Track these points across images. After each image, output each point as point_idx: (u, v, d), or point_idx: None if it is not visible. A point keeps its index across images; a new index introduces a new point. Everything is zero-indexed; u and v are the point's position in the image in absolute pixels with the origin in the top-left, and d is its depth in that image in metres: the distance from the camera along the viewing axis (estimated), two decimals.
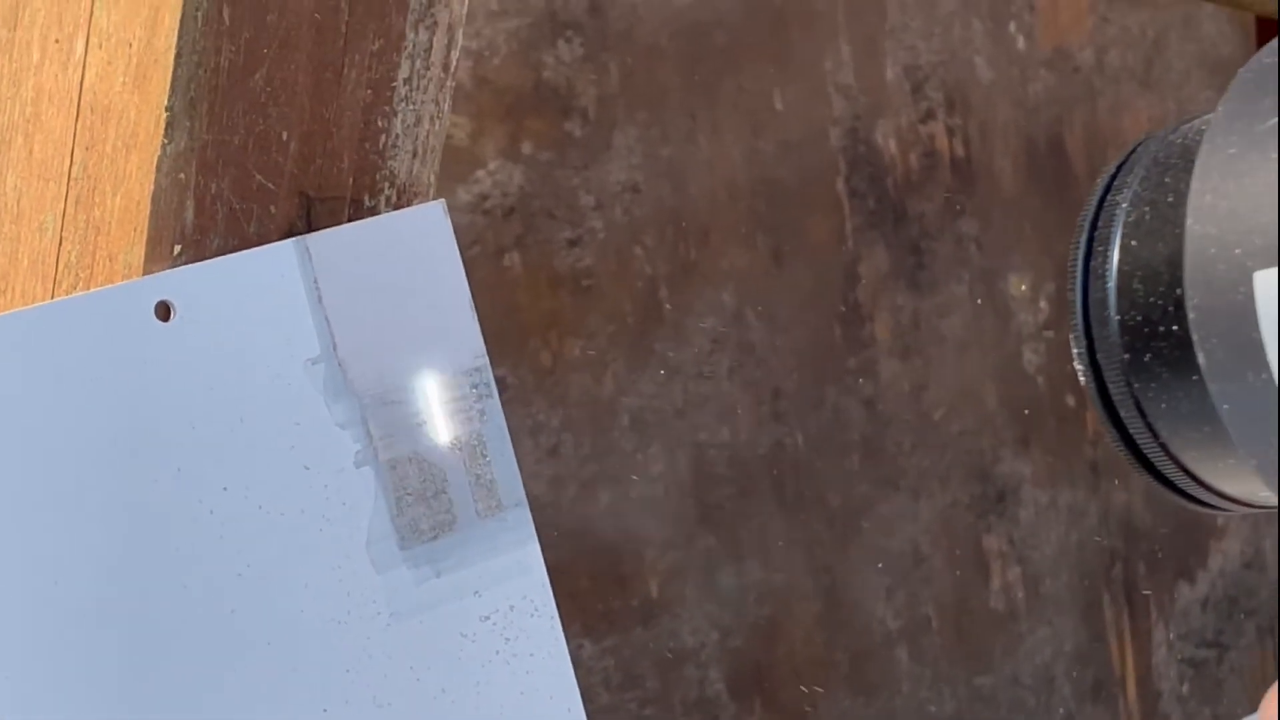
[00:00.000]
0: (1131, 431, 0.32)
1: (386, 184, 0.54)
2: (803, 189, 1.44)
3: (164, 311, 0.50)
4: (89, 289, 0.51)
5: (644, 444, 1.32)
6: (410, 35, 0.54)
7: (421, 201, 0.55)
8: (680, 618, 1.35)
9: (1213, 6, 1.72)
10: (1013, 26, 1.63)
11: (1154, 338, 0.31)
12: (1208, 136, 0.29)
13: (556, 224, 1.27)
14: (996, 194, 1.60)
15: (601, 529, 1.30)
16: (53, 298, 0.52)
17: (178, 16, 0.48)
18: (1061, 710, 1.66)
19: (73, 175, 0.51)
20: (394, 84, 0.54)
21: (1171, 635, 1.78)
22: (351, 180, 0.53)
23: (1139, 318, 0.31)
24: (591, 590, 1.29)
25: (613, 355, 1.31)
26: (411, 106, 0.54)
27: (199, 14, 0.49)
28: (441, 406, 0.55)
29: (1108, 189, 0.33)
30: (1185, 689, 1.80)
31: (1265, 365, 0.27)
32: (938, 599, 1.55)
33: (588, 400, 1.29)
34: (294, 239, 0.52)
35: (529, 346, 1.26)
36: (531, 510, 0.57)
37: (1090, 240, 0.33)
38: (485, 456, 0.55)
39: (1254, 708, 1.80)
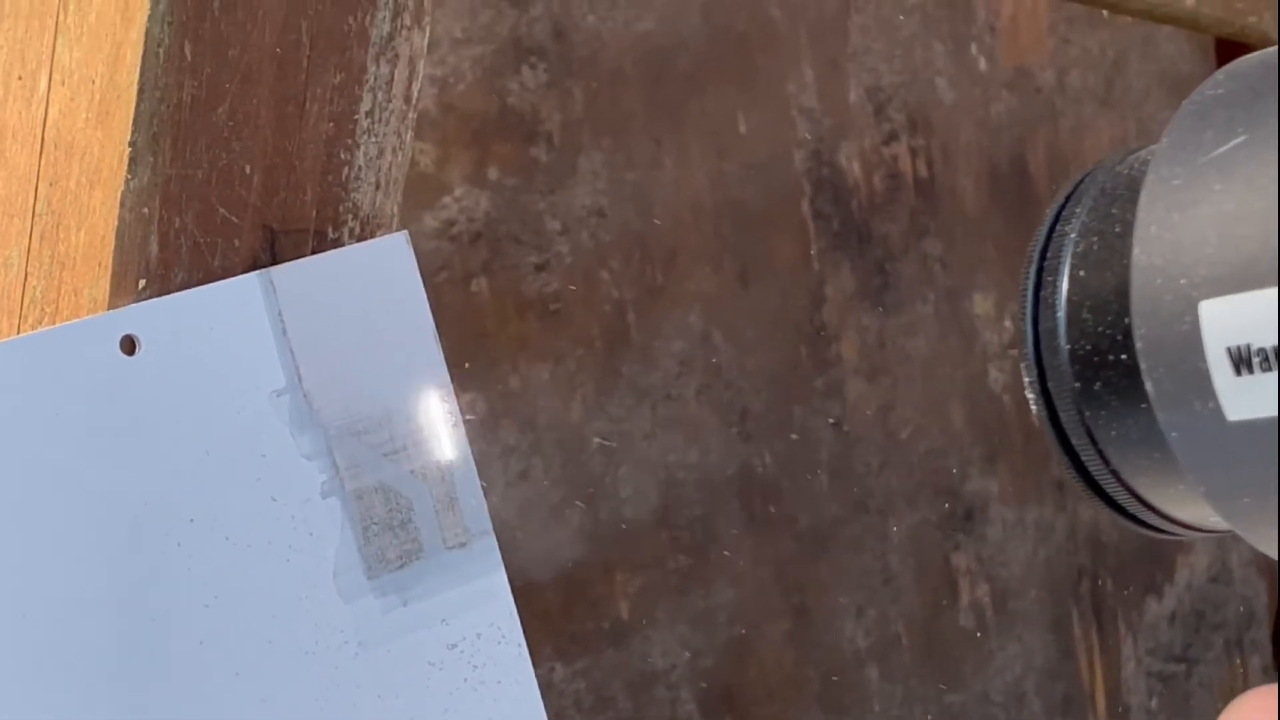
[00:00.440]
0: (1084, 459, 0.33)
1: (350, 216, 0.55)
2: (768, 211, 1.45)
3: (129, 345, 0.50)
4: (54, 324, 0.51)
5: (613, 466, 1.33)
6: (372, 68, 0.54)
7: (385, 233, 0.56)
8: (651, 639, 1.35)
9: (1171, 27, 1.73)
10: (974, 48, 1.64)
11: (1104, 366, 0.31)
12: (1152, 168, 0.29)
13: (523, 249, 1.28)
14: (960, 214, 1.61)
15: (572, 551, 1.30)
16: (18, 332, 0.52)
17: (140, 53, 0.49)
18: None
19: (37, 211, 0.52)
20: (356, 117, 0.54)
21: (1140, 650, 1.79)
22: (315, 212, 0.54)
23: (1089, 347, 0.32)
24: (562, 612, 1.30)
25: (581, 379, 1.31)
26: (374, 139, 0.55)
27: (161, 50, 0.49)
28: (407, 436, 0.55)
29: (1056, 219, 0.33)
30: (1154, 703, 1.81)
31: (1212, 394, 0.27)
32: (907, 617, 1.55)
33: (557, 424, 1.29)
34: (258, 272, 0.52)
35: (498, 371, 1.26)
36: (501, 534, 0.57)
37: (1040, 270, 0.33)
38: (451, 485, 0.56)
39: None
